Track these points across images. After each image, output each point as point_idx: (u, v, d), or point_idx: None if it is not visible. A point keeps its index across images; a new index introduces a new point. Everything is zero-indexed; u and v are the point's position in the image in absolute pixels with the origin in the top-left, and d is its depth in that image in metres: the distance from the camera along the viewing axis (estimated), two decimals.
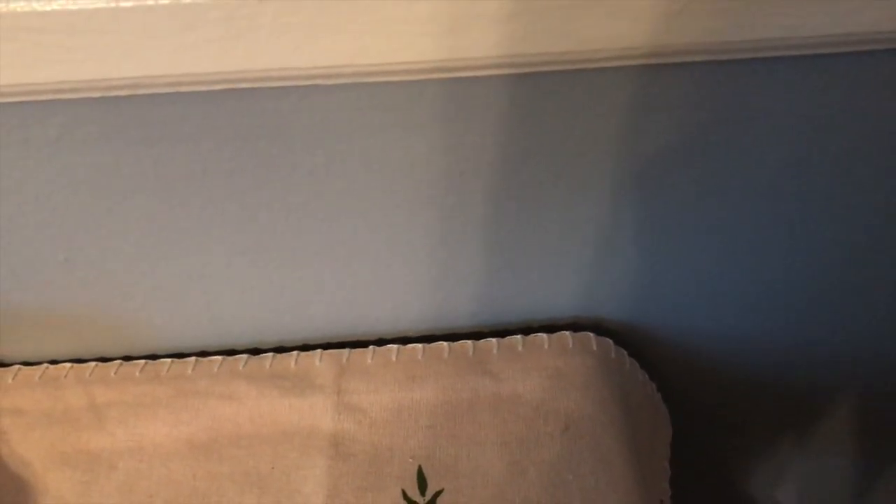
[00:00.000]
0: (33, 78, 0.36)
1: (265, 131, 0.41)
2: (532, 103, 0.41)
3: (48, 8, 0.34)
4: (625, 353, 0.54)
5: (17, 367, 0.54)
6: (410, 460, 0.47)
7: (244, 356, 0.53)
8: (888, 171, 0.47)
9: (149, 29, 0.34)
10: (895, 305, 0.58)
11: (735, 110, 0.42)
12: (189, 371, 0.52)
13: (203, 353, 0.54)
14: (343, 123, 0.41)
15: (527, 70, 0.39)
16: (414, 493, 0.46)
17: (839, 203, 0.49)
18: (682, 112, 0.42)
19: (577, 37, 0.36)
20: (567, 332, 0.53)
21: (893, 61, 0.40)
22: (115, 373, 0.52)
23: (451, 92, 0.40)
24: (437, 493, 0.46)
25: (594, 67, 0.38)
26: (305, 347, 0.54)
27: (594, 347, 0.52)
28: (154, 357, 0.54)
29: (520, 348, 0.52)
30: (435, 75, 0.38)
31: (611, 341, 0.54)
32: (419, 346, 0.53)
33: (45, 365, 0.54)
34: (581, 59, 0.38)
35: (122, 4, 0.34)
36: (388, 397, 0.50)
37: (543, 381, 0.50)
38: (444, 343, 0.53)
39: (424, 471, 0.47)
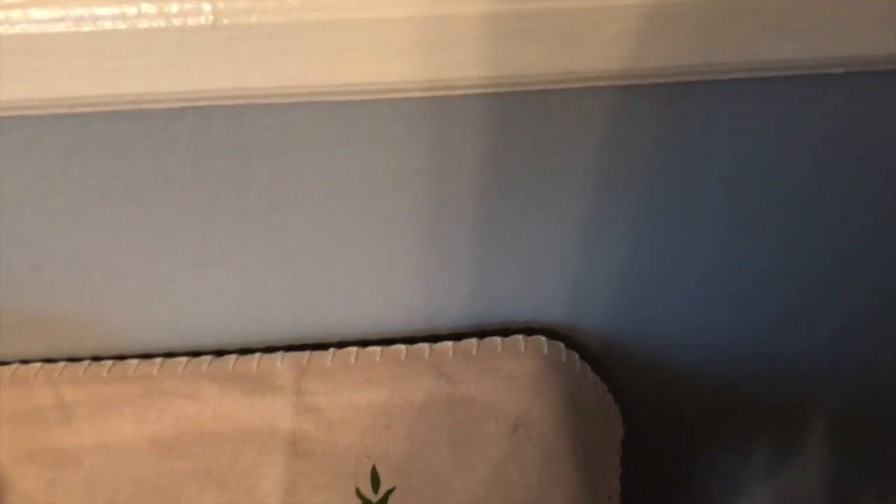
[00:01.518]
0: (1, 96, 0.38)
1: (225, 146, 0.43)
2: (495, 122, 0.43)
3: (11, 31, 0.35)
4: (576, 355, 0.57)
5: None
6: (366, 459, 0.49)
7: (208, 357, 0.55)
8: (854, 186, 0.49)
9: (108, 51, 0.36)
10: (851, 317, 0.60)
11: (704, 130, 0.44)
12: (155, 371, 0.54)
13: (169, 354, 0.56)
14: (298, 139, 0.43)
15: (500, 90, 0.40)
16: (367, 491, 0.48)
17: (802, 219, 0.51)
18: (654, 131, 0.45)
19: (545, 60, 0.38)
20: (520, 336, 0.55)
21: (849, 84, 0.43)
22: (84, 372, 0.54)
23: (431, 109, 0.42)
24: (390, 491, 0.48)
25: (565, 88, 0.40)
26: (268, 349, 0.56)
27: (545, 351, 0.54)
28: (122, 357, 0.56)
29: (474, 352, 0.54)
30: (417, 94, 0.40)
31: (562, 345, 0.56)
32: (377, 348, 0.55)
33: (16, 365, 0.55)
34: (540, 80, 0.40)
35: (82, 29, 0.35)
36: (346, 398, 0.52)
37: (496, 382, 0.52)
38: (402, 346, 0.55)
39: (378, 469, 0.49)
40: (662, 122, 0.45)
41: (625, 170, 0.47)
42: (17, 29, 0.35)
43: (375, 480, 0.48)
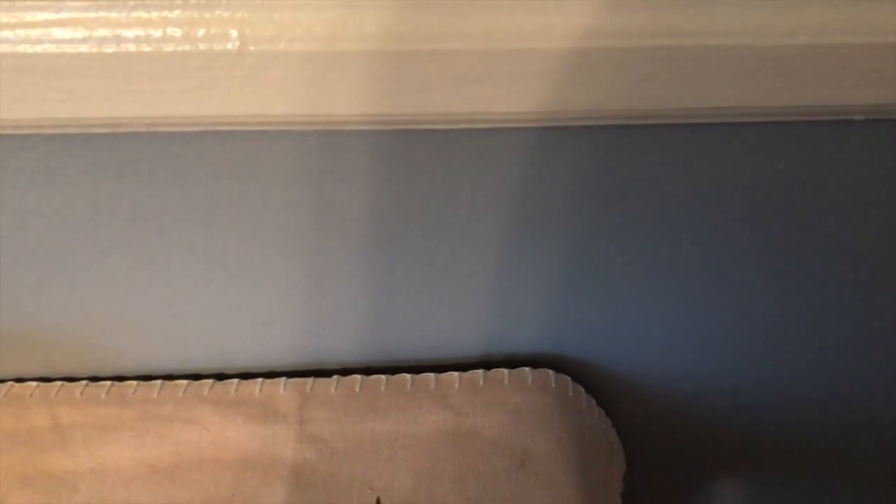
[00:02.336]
0: (12, 115, 0.37)
1: (239, 171, 0.42)
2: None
3: (31, 50, 0.34)
4: (582, 389, 0.56)
5: None
6: (370, 491, 0.48)
7: (209, 381, 0.54)
8: (829, 222, 0.49)
9: (129, 74, 0.35)
10: (849, 347, 0.60)
11: (712, 171, 0.44)
12: (154, 395, 0.53)
13: (169, 377, 0.55)
14: (313, 167, 0.43)
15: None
16: None
17: (784, 253, 0.51)
18: (662, 170, 0.44)
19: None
20: (527, 369, 0.55)
21: (833, 131, 0.43)
22: (81, 394, 0.53)
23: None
24: None
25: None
26: (270, 375, 0.55)
27: (553, 384, 0.54)
28: (120, 379, 0.55)
29: (481, 383, 0.53)
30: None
31: (569, 378, 0.55)
32: (383, 377, 0.54)
33: (11, 383, 0.54)
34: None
35: (105, 50, 0.35)
36: (350, 428, 0.51)
37: (502, 416, 0.52)
38: (407, 375, 0.54)
39: (382, 502, 0.48)
40: (676, 162, 0.45)
41: (630, 204, 0.47)
42: (38, 48, 0.34)
43: None
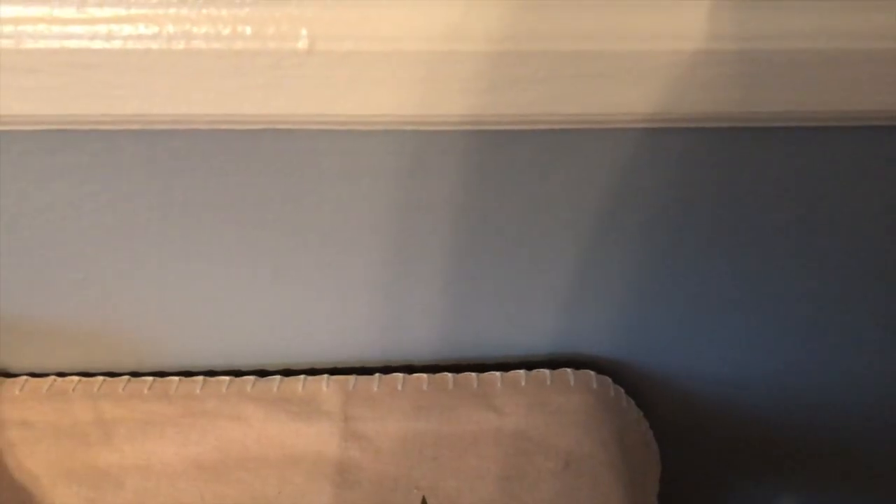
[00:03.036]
0: (75, 110, 0.37)
1: (297, 168, 0.42)
2: (519, 157, 0.43)
3: (100, 47, 0.34)
4: (622, 391, 0.56)
5: (24, 378, 0.54)
6: (415, 491, 0.48)
7: (252, 378, 0.54)
8: (874, 231, 0.49)
9: (196, 72, 0.35)
10: (889, 348, 0.60)
11: (721, 173, 0.44)
12: (197, 391, 0.53)
13: (210, 373, 0.55)
14: (369, 166, 0.43)
15: (509, 128, 0.40)
16: None
17: (829, 254, 0.51)
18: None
19: (564, 100, 0.38)
20: (568, 370, 0.54)
21: (882, 137, 0.43)
22: (124, 389, 0.53)
23: (440, 142, 0.42)
24: None
25: (578, 128, 0.40)
26: (311, 371, 0.55)
27: (594, 385, 0.54)
28: (161, 374, 0.55)
29: (523, 383, 0.53)
30: (428, 127, 0.39)
31: (609, 379, 0.55)
32: (424, 376, 0.54)
33: (53, 377, 0.54)
34: (566, 120, 0.39)
35: (174, 47, 0.34)
36: (394, 426, 0.51)
37: (546, 417, 0.51)
38: (449, 374, 0.54)
39: (428, 502, 0.48)
40: (719, 165, 0.44)
41: (677, 209, 0.47)
42: (108, 45, 0.34)
43: None
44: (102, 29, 0.34)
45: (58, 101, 0.36)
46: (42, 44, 0.34)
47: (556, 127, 0.40)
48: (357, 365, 0.56)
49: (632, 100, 0.37)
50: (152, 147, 0.41)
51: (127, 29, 0.34)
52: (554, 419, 0.51)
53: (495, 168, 0.43)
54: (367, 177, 0.43)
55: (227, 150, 0.42)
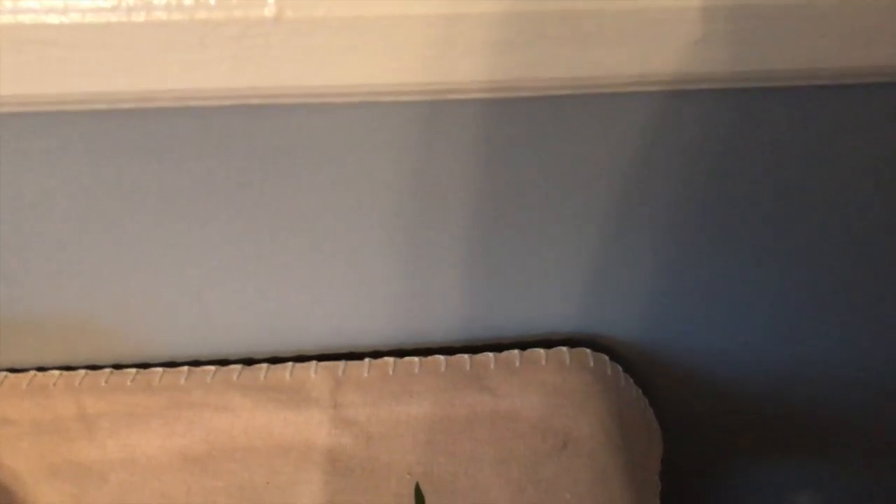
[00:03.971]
0: (37, 90, 0.35)
1: (272, 148, 0.40)
2: (529, 126, 0.41)
3: (57, 21, 0.33)
4: (620, 369, 0.54)
5: (2, 374, 0.52)
6: (408, 477, 0.47)
7: (238, 367, 0.52)
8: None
9: (160, 45, 0.34)
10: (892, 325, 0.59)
11: (741, 138, 0.42)
12: (182, 381, 0.51)
13: (195, 363, 0.53)
14: (349, 141, 0.41)
15: (531, 94, 0.38)
16: None
17: (838, 227, 0.49)
18: (683, 139, 0.43)
19: (586, 64, 0.36)
20: (564, 348, 0.53)
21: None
22: (106, 382, 0.51)
23: (452, 112, 0.40)
24: None
25: (599, 93, 0.38)
26: (300, 359, 0.54)
27: (591, 364, 0.52)
28: (145, 366, 0.53)
29: (517, 364, 0.52)
30: (441, 96, 0.37)
31: (607, 357, 0.54)
32: (415, 359, 0.52)
33: (33, 372, 0.53)
34: (587, 85, 0.37)
35: (134, 19, 0.33)
36: (385, 411, 0.49)
37: (541, 397, 0.50)
38: (441, 357, 0.53)
39: (422, 488, 0.46)
40: (708, 129, 0.43)
41: (667, 178, 0.45)
42: (64, 19, 0.32)
43: (420, 499, 0.46)
44: (58, 2, 0.33)
45: (14, 81, 0.35)
46: None
47: (546, 94, 0.39)
48: (346, 351, 0.54)
49: (631, 61, 0.36)
50: (121, 129, 0.40)
51: (84, 2, 0.33)
52: (550, 399, 0.50)
53: (455, 143, 0.42)
54: (347, 154, 0.41)
55: (200, 130, 0.40)
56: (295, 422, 0.49)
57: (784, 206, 0.47)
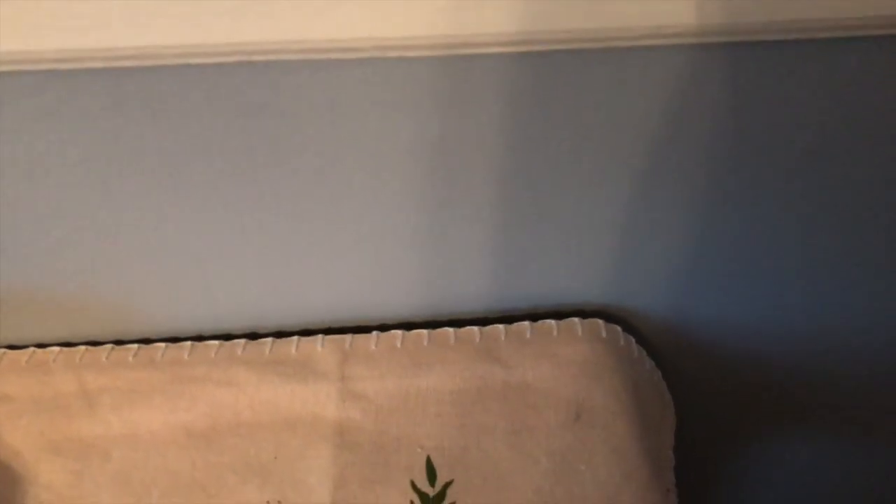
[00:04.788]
0: (31, 46, 0.34)
1: (275, 108, 0.39)
2: (550, 83, 0.39)
3: None
4: (633, 340, 0.53)
5: (1, 350, 0.51)
6: (419, 450, 0.46)
7: (242, 341, 0.51)
8: None
9: None
10: None
11: (765, 93, 0.41)
12: (185, 356, 0.50)
13: (199, 338, 0.52)
14: (356, 101, 0.39)
15: (551, 48, 0.37)
16: (423, 484, 0.45)
17: (855, 191, 0.48)
18: (726, 96, 0.41)
19: (607, 14, 0.35)
20: (576, 319, 0.52)
21: None
22: (107, 357, 0.50)
23: (463, 69, 0.38)
24: (447, 484, 0.44)
25: (622, 46, 0.37)
26: (305, 333, 0.52)
27: (603, 334, 0.51)
28: (147, 341, 0.52)
29: (528, 335, 0.51)
30: (448, 52, 0.36)
31: (619, 328, 0.53)
32: (424, 331, 0.51)
33: (32, 349, 0.51)
34: (610, 37, 0.36)
35: None
36: (394, 384, 0.48)
37: (553, 369, 0.49)
38: (450, 329, 0.51)
39: (433, 461, 0.45)
40: (736, 87, 0.41)
41: (689, 140, 0.44)
42: None
43: (431, 473, 0.45)
44: None
45: (9, 37, 0.33)
46: None
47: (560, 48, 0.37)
48: (353, 324, 0.53)
49: (649, 12, 0.34)
50: (118, 89, 0.38)
51: None
52: (562, 370, 0.49)
53: (500, 96, 0.40)
54: (355, 114, 0.40)
55: (200, 90, 0.38)
56: (302, 395, 0.48)
57: (809, 164, 0.45)
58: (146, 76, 0.37)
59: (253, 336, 0.52)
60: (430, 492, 0.44)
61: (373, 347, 0.50)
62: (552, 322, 0.51)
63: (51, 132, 0.39)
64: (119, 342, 0.52)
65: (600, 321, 0.52)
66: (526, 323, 0.52)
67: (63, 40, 0.34)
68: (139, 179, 0.42)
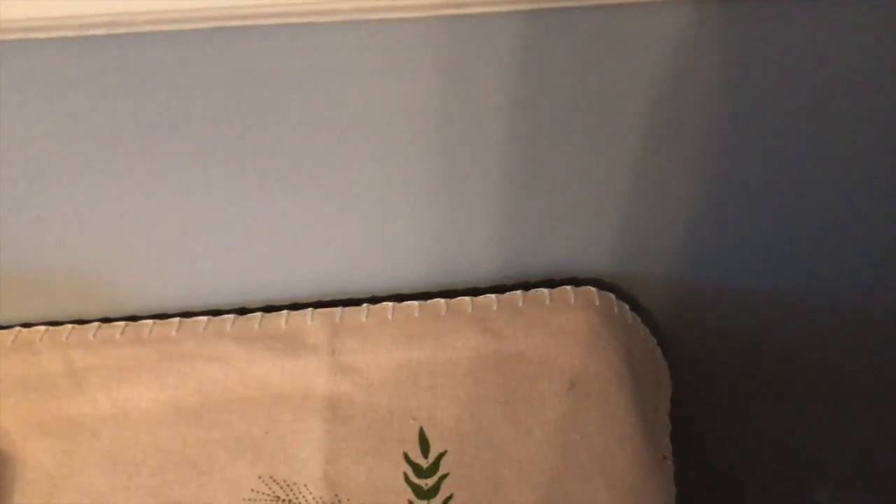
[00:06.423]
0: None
1: (255, 75, 0.38)
2: (544, 42, 0.38)
3: None
4: (627, 307, 0.53)
5: None
6: (411, 422, 0.45)
7: (231, 316, 0.50)
8: None
9: None
10: None
11: (764, 49, 0.40)
12: (173, 333, 0.49)
13: (187, 314, 0.51)
14: (338, 66, 0.38)
15: (544, 6, 0.36)
16: (416, 456, 0.44)
17: (851, 155, 0.47)
18: (727, 54, 0.40)
19: None
20: (568, 287, 0.51)
21: None
22: (94, 335, 0.49)
23: (457, 31, 0.37)
24: (441, 455, 0.44)
25: (619, 3, 0.36)
26: (295, 306, 0.52)
27: (596, 302, 0.51)
28: (134, 318, 0.51)
29: (520, 304, 0.50)
30: (442, 12, 0.35)
31: (613, 296, 0.52)
32: (415, 303, 0.50)
33: (18, 328, 0.51)
34: None
35: None
36: (386, 357, 0.48)
37: (546, 337, 0.48)
38: (441, 300, 0.51)
39: (426, 432, 0.45)
40: (738, 44, 0.40)
41: (687, 101, 0.43)
42: None
43: (424, 444, 0.44)
44: None
45: None
46: None
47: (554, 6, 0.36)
48: (343, 297, 0.52)
49: None
50: (93, 60, 0.37)
51: None
52: (556, 339, 0.48)
53: (491, 58, 0.39)
54: (331, 79, 0.39)
55: (176, 58, 0.37)
56: (292, 370, 0.47)
57: (809, 125, 0.44)
58: (118, 45, 0.36)
59: (242, 311, 0.51)
60: (424, 463, 0.44)
61: (363, 320, 0.49)
62: (545, 291, 0.51)
63: (24, 105, 0.38)
64: (106, 320, 0.51)
65: (593, 289, 0.51)
66: (518, 292, 0.51)
67: (31, 9, 0.32)
68: (118, 152, 0.41)
